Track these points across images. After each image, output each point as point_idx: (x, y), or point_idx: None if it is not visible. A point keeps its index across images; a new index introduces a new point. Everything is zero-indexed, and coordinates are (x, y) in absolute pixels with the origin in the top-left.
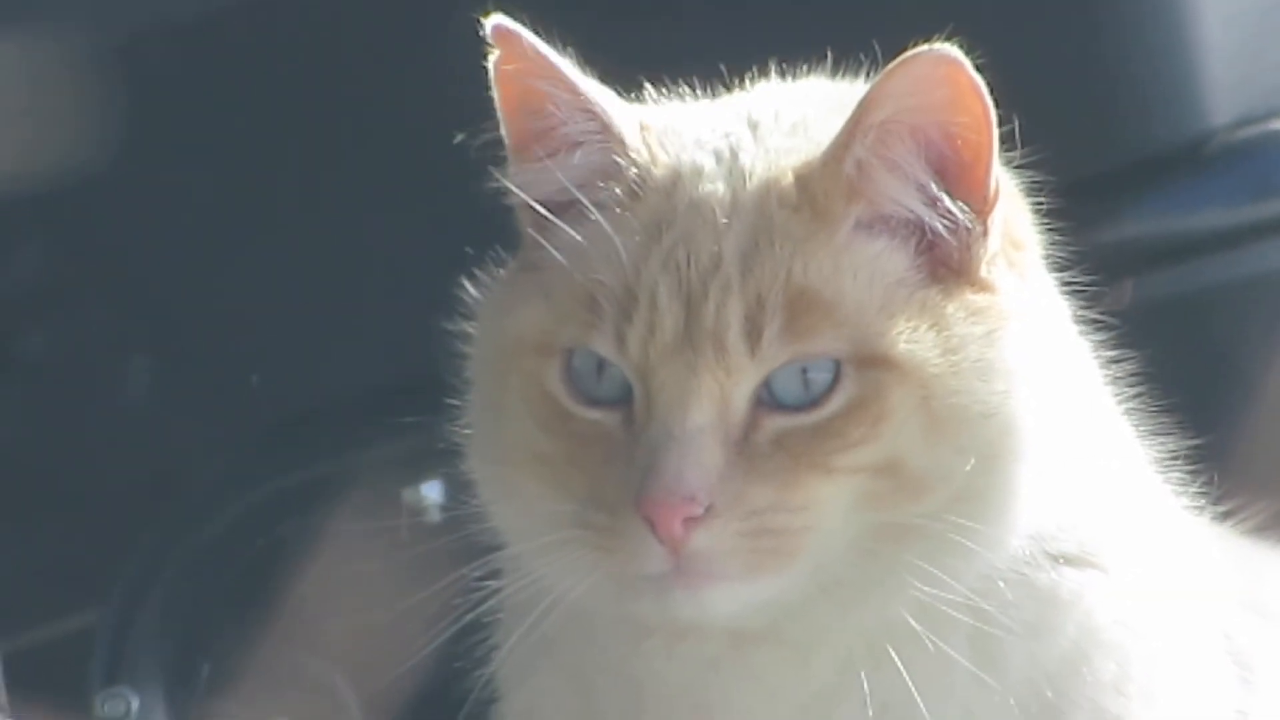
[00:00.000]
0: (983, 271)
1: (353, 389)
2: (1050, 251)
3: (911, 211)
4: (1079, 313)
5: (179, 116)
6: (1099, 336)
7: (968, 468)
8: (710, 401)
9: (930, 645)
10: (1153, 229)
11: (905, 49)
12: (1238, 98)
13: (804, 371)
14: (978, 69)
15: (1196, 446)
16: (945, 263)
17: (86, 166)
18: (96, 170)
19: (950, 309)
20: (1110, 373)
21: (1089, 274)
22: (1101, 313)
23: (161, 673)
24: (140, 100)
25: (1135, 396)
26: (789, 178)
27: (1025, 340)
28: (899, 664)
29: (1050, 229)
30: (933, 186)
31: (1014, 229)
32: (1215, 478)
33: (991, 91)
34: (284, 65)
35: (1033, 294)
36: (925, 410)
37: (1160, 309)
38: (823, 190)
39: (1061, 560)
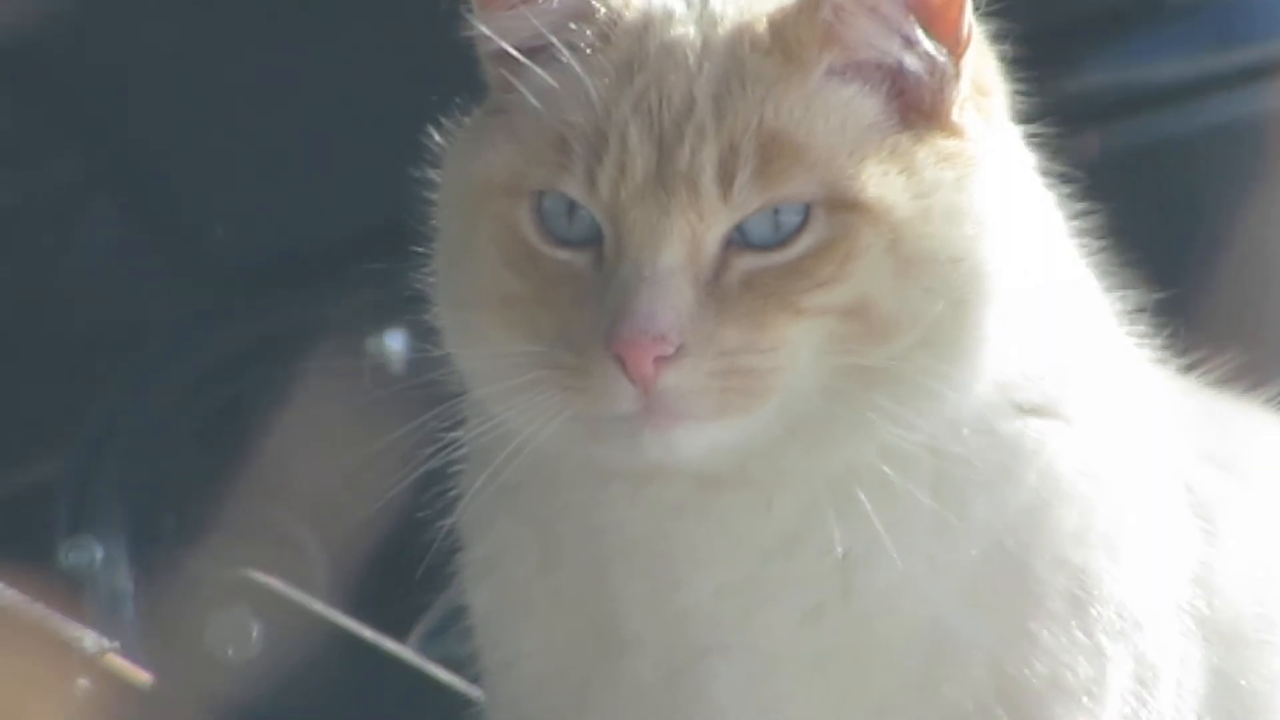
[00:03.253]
0: (954, 115)
1: (317, 239)
2: (1014, 102)
3: (887, 54)
4: (1044, 165)
5: None
6: (1064, 189)
7: (936, 310)
8: (682, 243)
9: (895, 490)
10: (1116, 79)
11: None
12: None
13: (775, 213)
14: None
15: (1161, 299)
16: (917, 107)
17: (54, 18)
18: (64, 21)
19: (921, 154)
20: (1075, 225)
21: (1053, 126)
22: (1066, 165)
23: (126, 523)
24: None
25: (1100, 249)
26: (763, 23)
27: (994, 186)
28: (866, 508)
29: (1014, 79)
30: (908, 27)
31: (981, 75)
32: (1181, 330)
33: None
34: None
35: (1000, 141)
36: (894, 253)
37: (1124, 160)
38: (796, 36)
39: (1027, 410)
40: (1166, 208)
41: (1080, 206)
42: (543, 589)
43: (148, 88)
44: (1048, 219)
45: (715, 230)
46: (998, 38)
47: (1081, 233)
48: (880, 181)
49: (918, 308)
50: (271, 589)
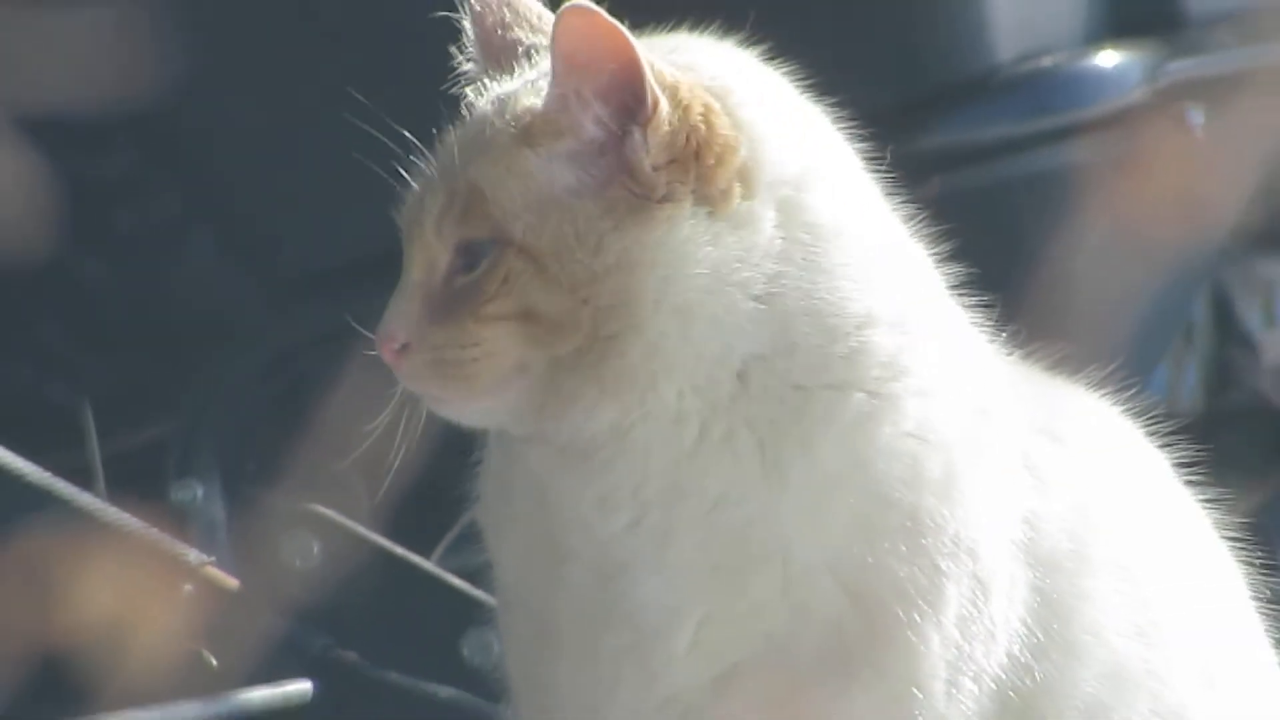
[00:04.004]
0: (648, 176)
1: (360, 254)
2: (865, 158)
3: (592, 135)
4: (898, 204)
5: (232, 52)
6: (916, 219)
7: (588, 312)
8: (418, 267)
9: (701, 442)
10: (955, 138)
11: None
12: (1018, 39)
13: (471, 246)
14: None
15: (994, 307)
16: (620, 169)
17: (166, 90)
18: (172, 94)
19: (593, 207)
20: (928, 248)
21: (908, 173)
22: (916, 202)
23: (219, 469)
24: (204, 41)
25: (947, 269)
26: (522, 106)
27: (673, 228)
28: (657, 463)
29: (871, 138)
30: (598, 109)
31: (688, 145)
32: (1010, 329)
33: (818, 34)
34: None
35: (715, 194)
36: (543, 277)
37: (962, 200)
38: (527, 122)
39: (844, 383)
40: (994, 237)
41: (927, 234)
42: (510, 513)
43: (232, 145)
44: (883, 237)
45: (438, 258)
46: (839, 113)
47: (933, 253)
48: (533, 224)
49: (574, 315)
50: (328, 517)
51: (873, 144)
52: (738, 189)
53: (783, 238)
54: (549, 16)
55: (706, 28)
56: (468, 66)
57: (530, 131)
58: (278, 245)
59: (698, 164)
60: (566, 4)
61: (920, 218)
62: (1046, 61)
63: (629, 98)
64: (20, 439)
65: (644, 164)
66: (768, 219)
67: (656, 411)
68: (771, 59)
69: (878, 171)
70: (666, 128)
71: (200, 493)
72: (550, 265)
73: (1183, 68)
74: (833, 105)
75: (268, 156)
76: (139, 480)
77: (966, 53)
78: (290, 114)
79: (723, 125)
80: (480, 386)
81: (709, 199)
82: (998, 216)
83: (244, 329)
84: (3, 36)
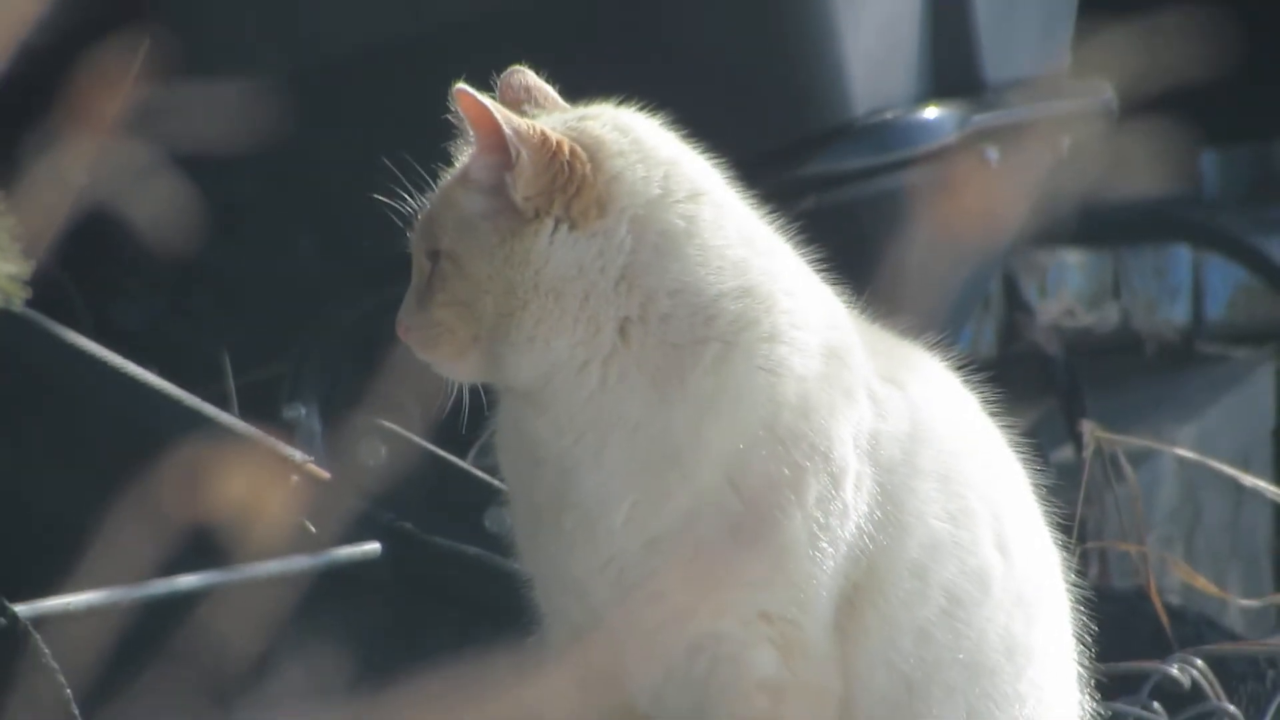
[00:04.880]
0: (520, 204)
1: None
2: (739, 186)
3: (485, 179)
4: (773, 217)
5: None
6: (791, 230)
7: (490, 298)
8: (416, 272)
9: (607, 381)
10: (827, 168)
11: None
12: (869, 99)
13: (431, 254)
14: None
15: (850, 291)
16: (504, 200)
17: (281, 136)
18: (285, 138)
19: (487, 225)
20: (796, 246)
21: (790, 194)
22: (797, 215)
23: (317, 395)
24: (309, 104)
25: (813, 260)
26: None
27: (544, 236)
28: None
29: (742, 172)
30: (485, 160)
31: (550, 179)
32: (865, 306)
33: (696, 86)
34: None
35: (575, 212)
36: (462, 275)
37: (831, 213)
38: (461, 171)
39: (704, 338)
40: (851, 239)
41: (801, 238)
42: (507, 434)
43: (328, 176)
44: (720, 231)
45: (423, 265)
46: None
47: (793, 248)
48: (454, 237)
49: (480, 301)
50: (392, 429)
51: (756, 174)
52: (594, 211)
53: (634, 240)
54: (554, 95)
55: (633, 100)
56: None
57: (460, 178)
58: (359, 242)
59: (563, 194)
60: (455, 87)
61: (797, 226)
62: (889, 114)
63: (500, 153)
64: (179, 377)
65: (515, 196)
66: (620, 230)
67: (560, 361)
68: (673, 123)
69: (750, 195)
70: (530, 172)
71: (303, 412)
72: (466, 267)
73: (983, 119)
74: (724, 149)
75: (351, 184)
76: (261, 404)
77: (835, 107)
78: (364, 161)
79: (583, 168)
80: (447, 354)
81: (572, 219)
82: (855, 225)
83: (336, 299)
84: (167, 96)
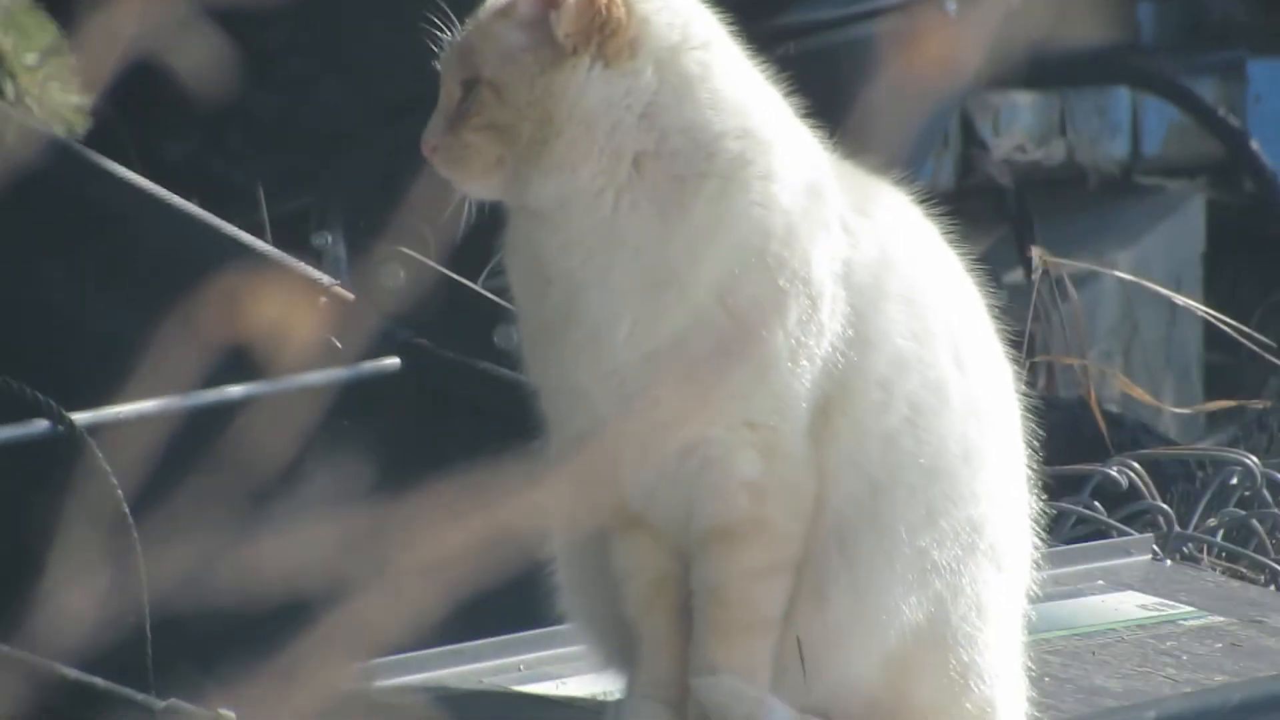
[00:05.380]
0: (561, 40)
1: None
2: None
3: (531, 15)
4: (760, 62)
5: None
6: (774, 75)
7: (528, 124)
8: (444, 98)
9: (623, 202)
10: (804, 18)
11: None
12: None
13: (465, 83)
14: None
15: (826, 132)
16: (546, 35)
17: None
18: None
19: (530, 57)
20: (779, 90)
21: (773, 41)
22: (777, 60)
23: (343, 224)
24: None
25: (793, 104)
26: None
27: (580, 70)
28: (609, 216)
29: (736, 21)
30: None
31: (586, 23)
32: (837, 143)
33: None
34: None
35: (609, 51)
36: (501, 102)
37: (808, 58)
38: (501, 7)
39: (706, 173)
40: (826, 83)
41: (782, 82)
42: (517, 256)
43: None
44: (725, 78)
45: (452, 92)
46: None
47: (779, 94)
48: (496, 67)
49: (517, 121)
50: (411, 255)
51: (741, 22)
52: (626, 52)
53: (658, 82)
54: None
55: None
56: None
57: (501, 12)
58: (379, 85)
59: (600, 34)
60: None
61: (777, 71)
62: None
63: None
64: (217, 208)
65: (558, 32)
66: (647, 72)
67: (581, 187)
68: None
69: (744, 43)
70: (574, 12)
71: (330, 240)
72: (505, 95)
73: None
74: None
75: (370, 29)
76: (292, 232)
77: None
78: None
79: (618, 13)
80: (474, 171)
81: (606, 57)
82: (828, 70)
83: (359, 136)
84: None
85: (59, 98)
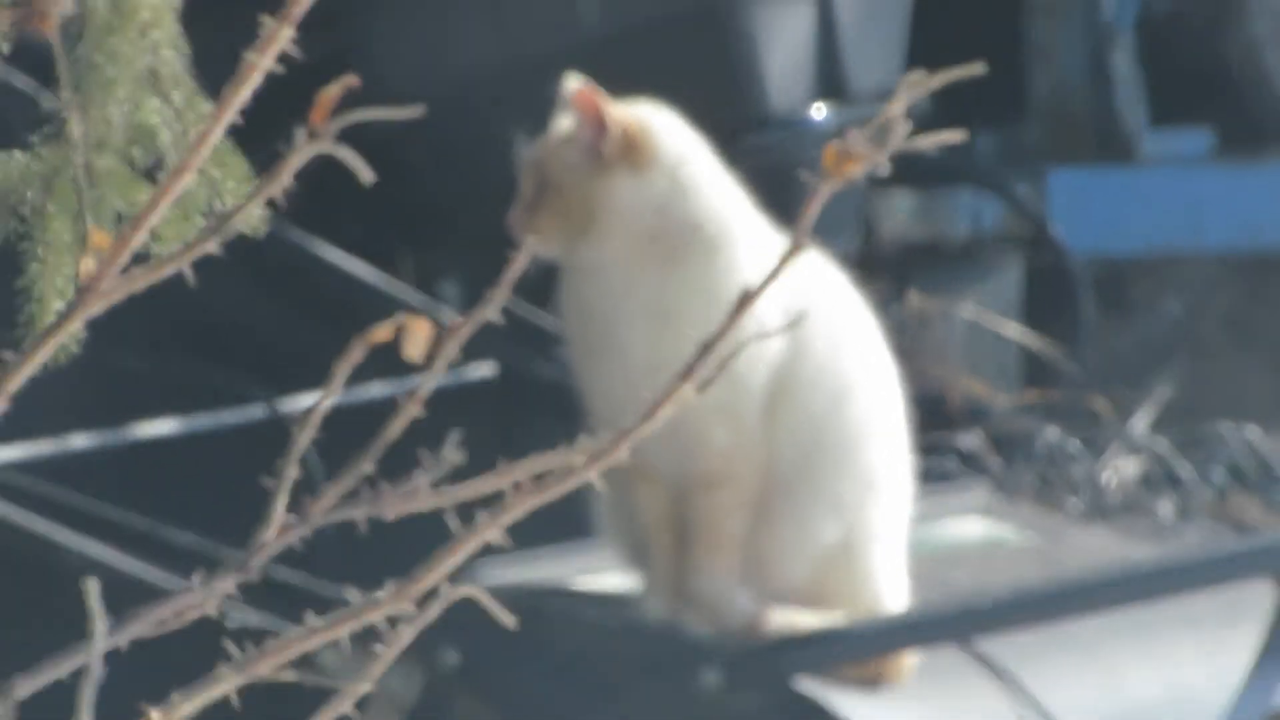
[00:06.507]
0: (606, 157)
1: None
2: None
3: (586, 140)
4: (729, 170)
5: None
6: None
7: (580, 212)
8: (525, 189)
9: (645, 261)
10: (753, 144)
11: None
12: (783, 96)
13: (538, 182)
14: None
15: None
16: (595, 154)
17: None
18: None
19: (584, 170)
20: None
21: (733, 158)
22: (738, 170)
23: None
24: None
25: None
26: (566, 129)
27: (621, 175)
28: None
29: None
30: (587, 130)
31: (624, 143)
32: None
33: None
34: None
35: (643, 164)
36: (563, 198)
37: (757, 174)
38: (564, 134)
39: (696, 245)
40: (774, 191)
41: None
42: (567, 300)
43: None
44: (709, 183)
45: (528, 188)
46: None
47: (743, 193)
48: (560, 175)
49: (572, 216)
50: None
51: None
52: (647, 165)
53: (668, 186)
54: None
55: (650, 89)
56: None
57: (564, 139)
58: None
59: (632, 153)
60: (573, 86)
61: (740, 177)
62: (795, 110)
63: (598, 126)
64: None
65: (605, 152)
66: (661, 180)
67: (612, 255)
68: (672, 109)
69: (718, 156)
70: (616, 140)
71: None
72: (566, 194)
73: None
74: (697, 125)
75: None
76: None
77: (759, 103)
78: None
79: (643, 141)
80: (542, 240)
81: (635, 168)
82: (775, 181)
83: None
84: None
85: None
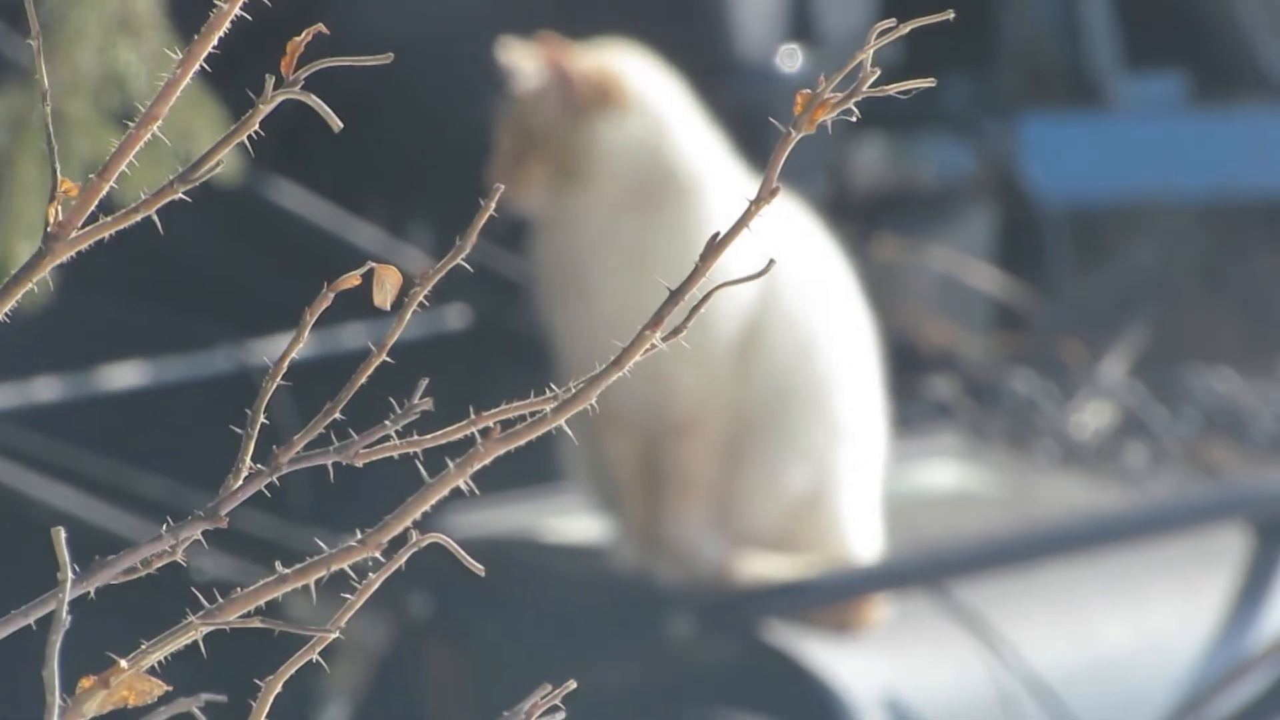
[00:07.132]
0: (581, 106)
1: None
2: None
3: (562, 93)
4: (702, 109)
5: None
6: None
7: (562, 162)
8: (506, 145)
9: (620, 212)
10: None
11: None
12: (754, 37)
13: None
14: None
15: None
16: (571, 102)
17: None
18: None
19: (563, 119)
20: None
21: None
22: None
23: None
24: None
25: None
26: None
27: (600, 126)
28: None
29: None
30: (560, 85)
31: (592, 91)
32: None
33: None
34: None
35: (620, 108)
36: (545, 148)
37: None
38: (540, 88)
39: (673, 186)
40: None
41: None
42: (542, 240)
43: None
44: (685, 125)
45: (510, 143)
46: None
47: (712, 129)
48: (540, 126)
49: (558, 162)
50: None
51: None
52: (621, 111)
53: (648, 124)
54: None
55: (622, 36)
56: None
57: (543, 92)
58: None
59: (605, 100)
60: (544, 41)
61: (713, 120)
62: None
63: (564, 79)
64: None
65: (578, 99)
66: (637, 123)
67: (593, 197)
68: (645, 52)
69: (691, 95)
70: (589, 89)
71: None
72: (548, 143)
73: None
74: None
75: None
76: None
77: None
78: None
79: (613, 85)
80: (526, 190)
81: (611, 112)
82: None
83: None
84: None
85: None
